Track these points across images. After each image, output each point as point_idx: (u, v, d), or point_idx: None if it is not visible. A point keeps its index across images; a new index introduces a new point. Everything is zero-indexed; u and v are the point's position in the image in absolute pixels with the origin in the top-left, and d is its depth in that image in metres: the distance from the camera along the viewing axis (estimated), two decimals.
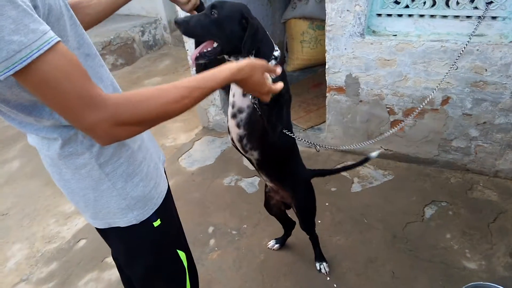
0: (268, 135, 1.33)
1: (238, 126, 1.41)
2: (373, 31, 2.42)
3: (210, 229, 2.38)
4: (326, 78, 2.65)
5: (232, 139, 1.48)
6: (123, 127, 0.74)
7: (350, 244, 2.12)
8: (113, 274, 2.16)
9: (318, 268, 2.02)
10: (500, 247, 2.03)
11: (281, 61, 1.37)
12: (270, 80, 1.01)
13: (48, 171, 0.99)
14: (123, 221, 1.00)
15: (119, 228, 1.01)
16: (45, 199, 2.89)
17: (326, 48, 2.53)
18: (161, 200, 1.06)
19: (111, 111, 0.72)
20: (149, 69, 5.21)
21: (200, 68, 1.36)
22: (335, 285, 1.94)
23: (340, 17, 2.34)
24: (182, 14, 2.77)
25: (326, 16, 2.40)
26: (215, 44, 1.23)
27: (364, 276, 1.97)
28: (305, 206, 1.78)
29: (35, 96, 0.69)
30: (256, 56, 1.27)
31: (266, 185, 1.88)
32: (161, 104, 0.78)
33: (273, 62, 1.31)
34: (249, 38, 1.22)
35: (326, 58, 2.57)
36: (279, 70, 1.05)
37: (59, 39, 0.66)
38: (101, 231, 1.08)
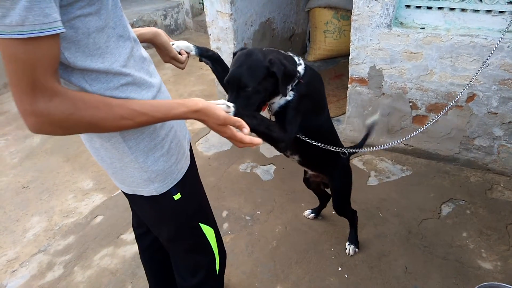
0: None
1: None
2: (401, 23, 2.37)
3: (224, 213, 2.40)
4: (349, 69, 2.62)
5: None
6: (51, 126, 0.75)
7: (363, 237, 2.11)
8: (128, 250, 2.20)
9: (346, 247, 2.07)
10: None
11: (306, 69, 1.38)
12: (234, 131, 0.98)
13: (81, 137, 1.04)
14: (145, 191, 1.06)
15: (143, 196, 1.07)
16: (64, 175, 2.96)
17: (351, 38, 2.49)
18: (181, 176, 1.10)
19: (49, 107, 0.73)
20: None
21: None
22: (346, 276, 1.94)
23: (368, 6, 2.30)
24: None
25: (353, 5, 2.36)
26: None
27: (376, 269, 1.96)
28: (341, 188, 1.86)
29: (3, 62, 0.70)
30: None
31: (305, 171, 2.03)
32: (97, 118, 0.79)
33: (294, 83, 1.32)
34: (283, 81, 1.24)
35: (350, 48, 2.53)
36: (246, 130, 0.99)
37: (62, 31, 0.69)
38: (129, 196, 1.16)
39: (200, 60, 1.38)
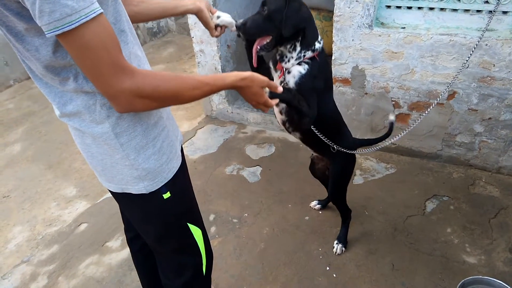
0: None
1: (280, 113, 1.59)
2: (382, 23, 2.40)
3: (211, 217, 2.38)
4: (332, 69, 2.64)
5: (278, 122, 1.67)
6: (142, 99, 0.84)
7: (350, 235, 2.12)
8: (114, 258, 2.16)
9: (334, 246, 2.07)
10: (500, 243, 2.04)
11: (322, 52, 1.46)
12: (267, 94, 1.16)
13: (71, 134, 1.05)
14: (135, 189, 1.05)
15: (132, 195, 1.07)
16: (46, 182, 2.89)
17: (333, 39, 2.50)
18: (172, 175, 1.10)
19: (137, 82, 0.81)
20: (152, 56, 5.18)
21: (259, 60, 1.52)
22: (334, 275, 1.95)
23: (349, 7, 2.32)
24: None
25: (335, 6, 2.38)
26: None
27: (364, 267, 1.98)
28: (339, 174, 1.86)
29: (72, 58, 0.77)
30: (301, 41, 1.40)
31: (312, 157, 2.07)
32: (178, 88, 0.90)
33: (309, 53, 1.42)
34: (291, 15, 1.33)
35: (333, 49, 2.55)
36: (280, 89, 1.20)
37: (102, 10, 0.74)
38: (116, 196, 1.15)
39: (238, 36, 1.47)
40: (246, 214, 2.38)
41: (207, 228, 2.26)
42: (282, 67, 1.47)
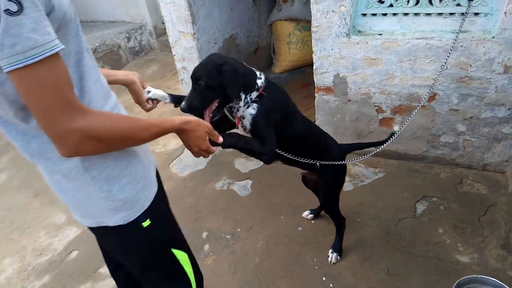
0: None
1: None
2: (359, 31, 2.44)
3: (204, 234, 2.36)
4: (314, 78, 2.67)
5: None
6: (92, 141, 0.79)
7: (344, 243, 2.12)
8: (106, 285, 2.13)
9: (328, 255, 2.08)
10: (491, 240, 2.06)
11: (268, 84, 1.48)
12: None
13: (41, 170, 1.02)
14: (112, 221, 1.02)
15: (109, 227, 1.03)
16: (34, 211, 2.85)
17: (313, 49, 2.54)
18: (149, 203, 1.08)
19: (89, 122, 0.77)
20: None
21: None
22: (331, 285, 1.94)
23: (326, 18, 2.36)
24: None
25: (312, 17, 2.41)
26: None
27: (359, 274, 1.98)
28: (329, 187, 1.89)
29: (20, 94, 0.72)
30: (243, 90, 1.41)
31: None
32: (129, 129, 0.88)
33: (254, 93, 1.43)
34: (230, 80, 1.36)
35: (314, 59, 2.58)
36: (220, 139, 1.22)
37: (63, 46, 0.72)
38: (93, 230, 1.12)
39: (175, 107, 1.47)
40: (239, 229, 2.37)
41: (200, 246, 2.26)
42: (238, 116, 1.48)
